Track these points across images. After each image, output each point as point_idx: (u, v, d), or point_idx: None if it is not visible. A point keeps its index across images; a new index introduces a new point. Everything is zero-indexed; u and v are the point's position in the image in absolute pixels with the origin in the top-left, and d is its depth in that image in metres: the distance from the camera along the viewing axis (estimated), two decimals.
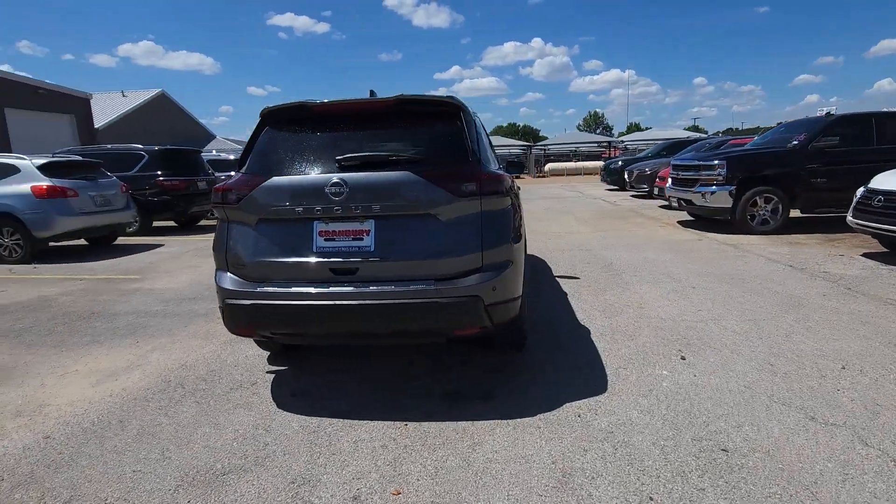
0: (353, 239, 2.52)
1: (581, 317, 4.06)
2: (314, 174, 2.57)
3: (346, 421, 2.55)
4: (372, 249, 2.51)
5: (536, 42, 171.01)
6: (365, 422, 2.54)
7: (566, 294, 4.74)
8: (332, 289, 2.47)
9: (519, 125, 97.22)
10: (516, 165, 5.06)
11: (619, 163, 17.42)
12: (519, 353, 3.29)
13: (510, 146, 47.44)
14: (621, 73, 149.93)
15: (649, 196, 13.44)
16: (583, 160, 41.23)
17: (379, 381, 3.02)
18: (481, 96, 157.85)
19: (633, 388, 2.81)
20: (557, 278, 5.40)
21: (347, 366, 3.25)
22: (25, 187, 7.24)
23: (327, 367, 3.27)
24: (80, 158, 8.68)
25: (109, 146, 11.87)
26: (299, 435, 2.44)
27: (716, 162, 7.91)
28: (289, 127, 2.78)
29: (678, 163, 9.15)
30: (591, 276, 5.42)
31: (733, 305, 4.19)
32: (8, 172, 7.41)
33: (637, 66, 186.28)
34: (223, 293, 2.62)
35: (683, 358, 3.16)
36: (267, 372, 3.22)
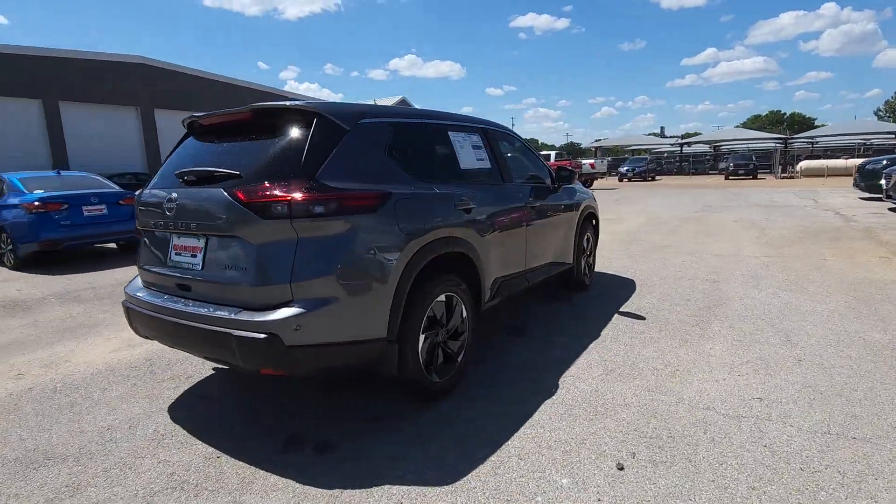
0: (192, 255, 2.45)
1: (564, 385, 3.13)
2: (162, 188, 2.58)
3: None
4: (199, 268, 2.40)
5: (828, 8, 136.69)
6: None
7: (593, 339, 3.71)
8: (168, 303, 2.46)
9: (785, 113, 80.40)
10: (565, 176, 4.21)
11: (883, 162, 12.72)
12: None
13: (754, 139, 39.60)
14: None
15: None
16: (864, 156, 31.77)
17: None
18: (742, 80, 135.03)
19: None
20: (619, 314, 4.27)
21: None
22: None
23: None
24: None
25: None
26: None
27: None
28: (186, 139, 2.85)
29: None
30: (666, 321, 4.12)
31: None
32: None
33: None
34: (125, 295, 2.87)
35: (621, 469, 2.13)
36: (213, 369, 3.43)
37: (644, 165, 32.12)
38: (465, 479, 2.12)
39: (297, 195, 2.15)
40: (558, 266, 4.41)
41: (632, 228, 9.61)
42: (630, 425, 2.50)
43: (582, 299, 4.78)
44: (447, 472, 2.17)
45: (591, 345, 3.59)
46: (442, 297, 2.75)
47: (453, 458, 2.26)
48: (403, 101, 47.78)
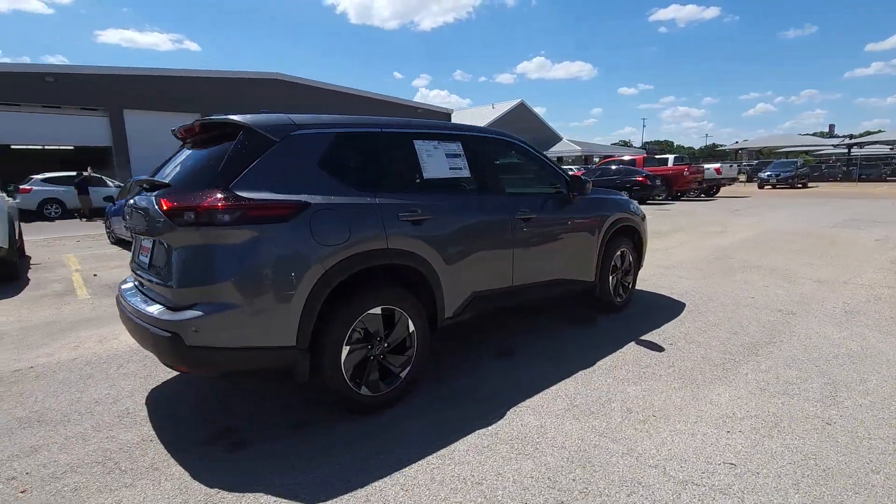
0: (146, 256, 2.71)
1: (511, 416, 2.84)
2: (133, 195, 2.88)
3: None
4: (146, 268, 2.65)
5: None
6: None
7: (583, 368, 3.32)
8: (129, 298, 2.75)
9: None
10: (578, 186, 3.88)
11: None
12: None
13: None
14: None
15: None
16: None
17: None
18: None
19: None
20: (637, 342, 3.78)
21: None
22: None
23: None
24: None
25: None
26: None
27: None
28: (178, 149, 3.13)
29: None
30: (688, 355, 3.55)
31: None
32: None
33: None
34: None
35: None
36: None
37: (792, 170, 27.75)
38: (333, 501, 2.06)
39: (204, 204, 2.27)
40: (571, 283, 4.04)
41: (730, 244, 8.41)
42: (548, 472, 2.21)
43: (608, 321, 4.32)
44: (324, 491, 2.12)
45: (577, 374, 3.23)
46: (377, 310, 2.69)
47: (339, 479, 2.20)
48: (522, 105, 47.42)
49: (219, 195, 2.30)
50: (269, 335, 2.35)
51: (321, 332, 2.49)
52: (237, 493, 2.11)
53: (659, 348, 3.67)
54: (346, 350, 2.57)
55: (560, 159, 48.73)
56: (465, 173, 3.29)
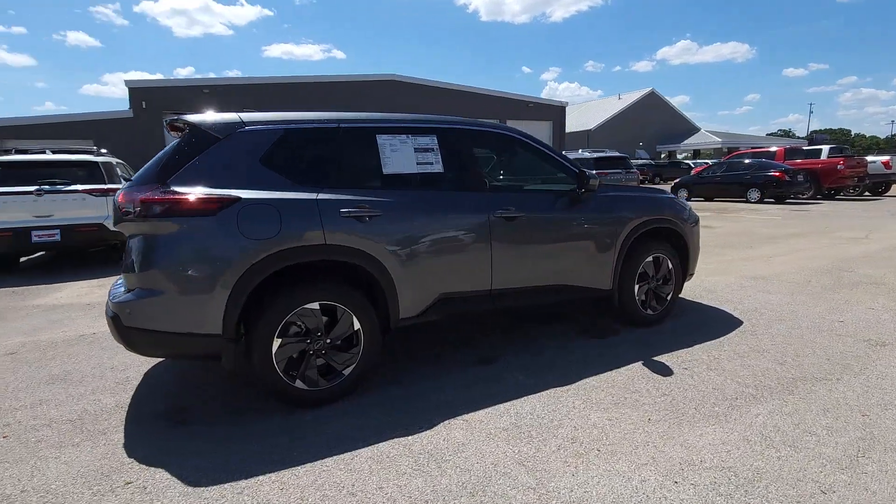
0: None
1: (438, 429, 2.61)
2: None
3: None
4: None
5: None
6: None
7: (560, 386, 2.94)
8: (118, 286, 3.08)
9: None
10: (583, 181, 3.49)
11: None
12: None
13: None
14: None
15: None
16: None
17: None
18: None
19: None
20: (645, 362, 3.27)
21: None
22: None
23: None
24: None
25: None
26: None
27: None
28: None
29: None
30: (704, 383, 2.97)
31: None
32: None
33: None
34: None
35: None
36: None
37: None
38: (202, 489, 2.10)
39: (140, 198, 2.47)
40: (581, 291, 3.62)
41: (862, 253, 6.86)
42: (432, 494, 2.01)
43: (628, 335, 3.79)
44: (208, 477, 2.18)
45: (546, 391, 2.90)
46: (315, 305, 2.69)
47: (232, 468, 2.25)
48: (652, 94, 43.89)
49: (153, 190, 2.48)
50: (195, 322, 2.48)
51: (248, 323, 2.56)
52: (144, 466, 2.27)
53: (668, 371, 3.13)
54: (277, 342, 2.61)
55: (696, 153, 44.04)
56: (437, 168, 3.13)
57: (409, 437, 2.45)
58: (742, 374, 3.06)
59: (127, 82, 20.08)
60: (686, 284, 4.36)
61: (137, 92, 20.00)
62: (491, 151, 3.61)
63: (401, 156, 3.03)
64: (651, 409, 2.65)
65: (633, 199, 3.86)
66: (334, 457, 2.30)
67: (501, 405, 2.75)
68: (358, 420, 2.64)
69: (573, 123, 36.44)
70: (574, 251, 3.55)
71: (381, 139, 3.01)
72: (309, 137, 2.87)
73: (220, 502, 2.01)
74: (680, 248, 4.12)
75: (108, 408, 2.88)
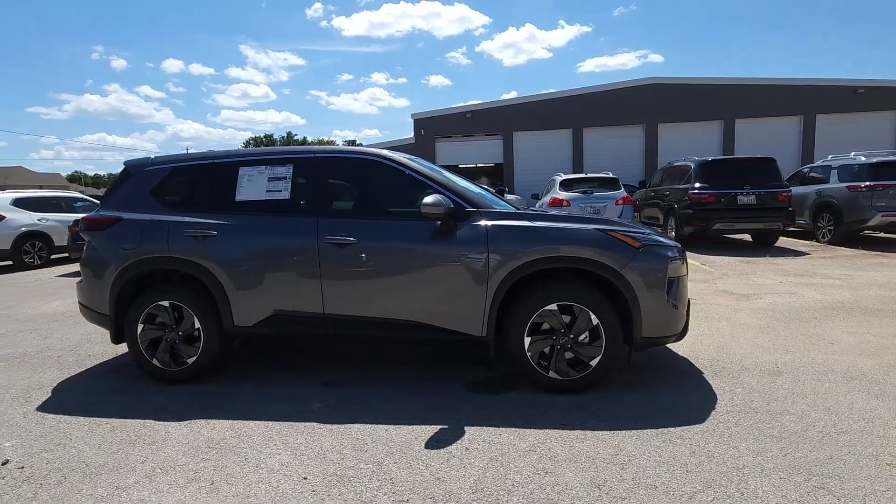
0: None
1: (191, 427, 2.80)
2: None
3: None
4: None
5: None
6: None
7: (376, 422, 2.73)
8: None
9: None
10: (460, 211, 3.18)
11: None
12: None
13: None
14: None
15: None
16: None
17: None
18: None
19: None
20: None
21: None
22: None
23: None
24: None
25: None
26: None
27: None
28: None
29: None
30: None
31: None
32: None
33: None
34: None
35: None
36: None
37: None
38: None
39: (83, 217, 3.69)
40: (447, 333, 3.15)
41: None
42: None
43: (509, 397, 3.05)
44: None
45: (336, 427, 2.81)
46: (165, 303, 3.40)
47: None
48: None
49: (94, 212, 3.68)
50: (96, 302, 3.54)
51: (122, 309, 3.48)
52: (54, 416, 3.44)
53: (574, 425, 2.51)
54: (140, 327, 3.44)
55: None
56: (284, 195, 3.37)
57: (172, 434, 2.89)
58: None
59: (413, 115, 24.85)
60: None
61: (419, 122, 24.50)
62: (356, 178, 3.57)
63: (255, 184, 3.43)
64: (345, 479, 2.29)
65: (528, 231, 3.07)
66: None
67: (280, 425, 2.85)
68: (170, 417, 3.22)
69: None
70: (431, 286, 3.14)
71: (242, 171, 3.47)
72: (186, 173, 3.62)
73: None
74: (620, 300, 3.00)
75: (89, 383, 4.28)
